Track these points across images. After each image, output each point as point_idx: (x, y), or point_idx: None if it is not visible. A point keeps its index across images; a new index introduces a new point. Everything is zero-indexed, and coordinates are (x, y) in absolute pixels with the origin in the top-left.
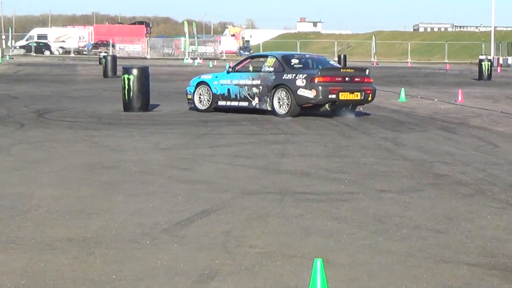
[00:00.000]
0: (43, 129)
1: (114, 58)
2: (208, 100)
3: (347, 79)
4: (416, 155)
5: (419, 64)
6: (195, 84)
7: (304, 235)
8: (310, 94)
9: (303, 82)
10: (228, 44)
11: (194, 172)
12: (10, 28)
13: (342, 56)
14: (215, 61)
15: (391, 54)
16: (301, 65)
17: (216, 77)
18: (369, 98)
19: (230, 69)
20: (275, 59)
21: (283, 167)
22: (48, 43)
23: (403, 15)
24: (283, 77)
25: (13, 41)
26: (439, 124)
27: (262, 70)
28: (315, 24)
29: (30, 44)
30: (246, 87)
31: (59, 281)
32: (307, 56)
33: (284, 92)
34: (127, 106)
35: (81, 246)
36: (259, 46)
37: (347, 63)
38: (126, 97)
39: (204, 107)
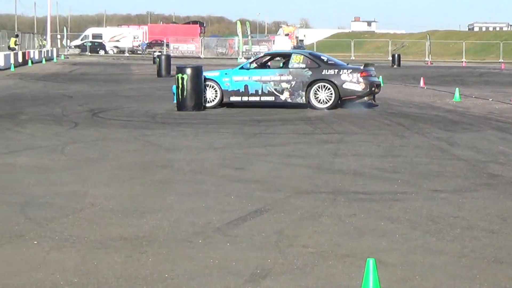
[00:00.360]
0: (97, 128)
1: (168, 57)
2: (215, 96)
3: (372, 73)
4: (470, 155)
5: (474, 64)
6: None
7: (356, 235)
8: (358, 87)
9: (349, 77)
10: (282, 43)
11: (247, 172)
12: (65, 27)
13: (396, 55)
14: None
15: (445, 53)
16: (332, 62)
17: (226, 74)
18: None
19: (249, 65)
20: (303, 56)
21: (336, 166)
22: (103, 42)
23: (458, 14)
24: (323, 73)
25: (68, 41)
26: (493, 124)
27: (290, 66)
28: (369, 23)
29: (85, 43)
30: (272, 83)
31: (112, 280)
32: (318, 54)
33: (325, 86)
34: (181, 105)
35: (134, 245)
36: (313, 45)
37: (401, 62)
38: (180, 96)
39: (211, 104)
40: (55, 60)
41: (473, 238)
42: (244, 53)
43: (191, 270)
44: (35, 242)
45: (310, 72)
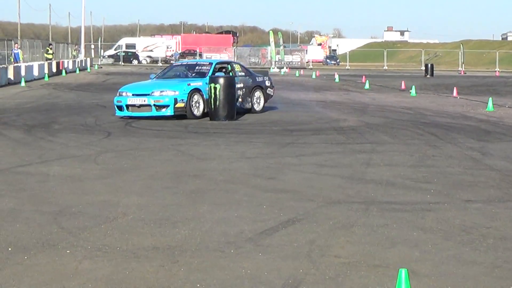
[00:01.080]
0: (130, 138)
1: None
2: (203, 106)
3: None
4: (503, 165)
5: (507, 74)
6: (187, 93)
7: (389, 245)
8: (272, 91)
9: (268, 83)
10: (314, 53)
11: (279, 181)
12: (99, 37)
13: (429, 65)
14: (302, 70)
15: (479, 63)
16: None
17: (206, 83)
18: None
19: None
20: (240, 65)
21: (368, 176)
22: (136, 52)
23: (492, 24)
24: (257, 80)
25: (102, 51)
26: None
27: (238, 74)
28: (402, 33)
29: (118, 53)
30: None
31: None
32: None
33: (259, 92)
34: (213, 115)
35: (166, 255)
36: (346, 55)
37: (434, 72)
38: (212, 106)
39: (199, 114)
40: (88, 70)
41: (506, 249)
42: (276, 62)
43: (223, 280)
44: (68, 251)
45: (250, 80)
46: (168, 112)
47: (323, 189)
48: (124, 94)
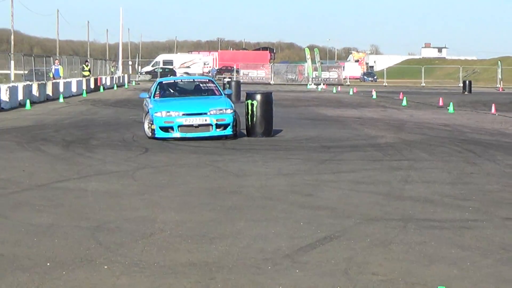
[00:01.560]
0: (167, 154)
1: (238, 83)
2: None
3: None
4: None
5: None
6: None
7: (427, 263)
8: None
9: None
10: (352, 69)
11: (316, 198)
12: (137, 54)
13: (467, 82)
14: (339, 86)
15: None
16: None
17: None
18: None
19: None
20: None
21: (406, 193)
22: (174, 68)
23: None
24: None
25: (140, 67)
26: None
27: None
28: (440, 49)
29: (156, 69)
30: None
31: None
32: None
33: None
34: (250, 131)
35: (203, 271)
36: (383, 71)
37: (472, 89)
38: (249, 123)
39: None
40: (126, 86)
41: None
42: (313, 79)
43: None
44: (106, 267)
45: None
46: (228, 131)
47: (360, 206)
48: (173, 114)
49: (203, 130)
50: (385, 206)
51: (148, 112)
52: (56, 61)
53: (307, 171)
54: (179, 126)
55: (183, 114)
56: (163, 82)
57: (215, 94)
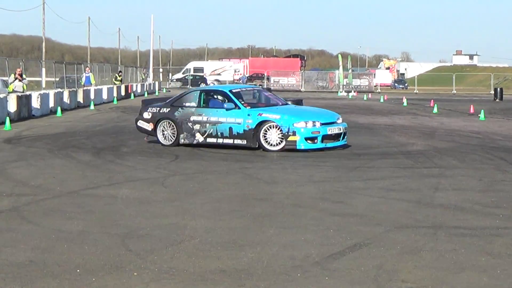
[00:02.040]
0: (198, 161)
1: (269, 90)
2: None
3: None
4: None
5: None
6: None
7: (457, 270)
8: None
9: None
10: (382, 77)
11: (346, 205)
12: (168, 61)
13: (498, 89)
14: (369, 94)
15: None
16: None
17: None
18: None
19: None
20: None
21: (436, 201)
22: (204, 76)
23: None
24: None
25: (170, 74)
26: None
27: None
28: (471, 57)
29: (186, 77)
30: None
31: None
32: None
33: None
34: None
35: (233, 278)
36: (414, 79)
37: (503, 96)
38: None
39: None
40: (157, 93)
41: None
42: (344, 86)
43: None
44: (135, 274)
45: None
46: (345, 140)
47: (390, 214)
48: (317, 124)
49: (335, 139)
50: (415, 213)
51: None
52: (87, 68)
53: (337, 178)
54: (322, 135)
55: (321, 124)
56: (233, 90)
57: (282, 103)
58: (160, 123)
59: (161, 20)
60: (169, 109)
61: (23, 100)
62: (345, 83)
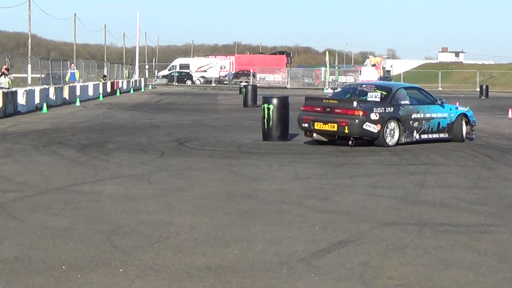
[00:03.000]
0: (183, 158)
1: (255, 87)
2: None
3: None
4: None
5: None
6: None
7: (442, 267)
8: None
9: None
10: (368, 74)
11: (332, 202)
12: (153, 58)
13: (484, 86)
14: None
15: None
16: None
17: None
18: (345, 131)
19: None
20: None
21: (422, 198)
22: (190, 72)
23: None
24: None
25: (156, 71)
26: None
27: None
28: (457, 54)
29: (172, 73)
30: None
31: None
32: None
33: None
34: (266, 135)
35: (218, 274)
36: (400, 76)
37: (489, 93)
38: (266, 127)
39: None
40: (142, 90)
41: None
42: (330, 83)
43: None
44: (121, 270)
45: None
46: None
47: (376, 211)
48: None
49: None
50: (401, 210)
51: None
52: (73, 65)
53: (323, 175)
54: None
55: None
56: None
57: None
58: (387, 124)
59: (147, 17)
60: (393, 108)
61: (9, 97)
62: (331, 80)
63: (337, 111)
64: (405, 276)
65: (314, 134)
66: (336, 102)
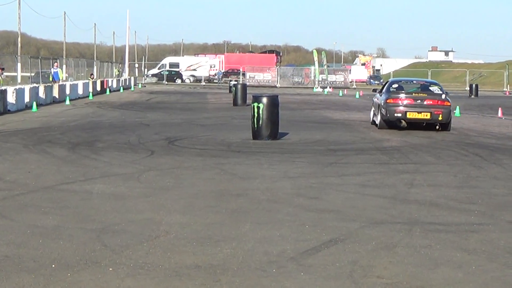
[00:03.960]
0: (173, 156)
1: (244, 86)
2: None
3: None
4: None
5: None
6: None
7: (432, 266)
8: None
9: None
10: (358, 73)
11: (321, 201)
12: (143, 56)
13: (473, 85)
14: (345, 90)
15: None
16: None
17: None
18: (439, 118)
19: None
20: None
21: (411, 197)
22: (180, 71)
23: None
24: None
25: (146, 70)
26: None
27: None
28: (446, 53)
29: (162, 72)
30: None
31: None
32: None
33: None
34: (256, 134)
35: (208, 273)
36: (390, 75)
37: (479, 92)
38: (255, 125)
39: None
40: (132, 88)
41: None
42: (320, 82)
43: None
44: (110, 269)
45: None
46: None
47: (366, 209)
48: None
49: None
50: (391, 209)
51: None
52: (56, 64)
53: (313, 174)
54: None
55: None
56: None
57: None
58: None
59: (137, 16)
60: None
61: None
62: (320, 79)
63: (429, 102)
64: (395, 275)
65: (403, 121)
66: (426, 95)
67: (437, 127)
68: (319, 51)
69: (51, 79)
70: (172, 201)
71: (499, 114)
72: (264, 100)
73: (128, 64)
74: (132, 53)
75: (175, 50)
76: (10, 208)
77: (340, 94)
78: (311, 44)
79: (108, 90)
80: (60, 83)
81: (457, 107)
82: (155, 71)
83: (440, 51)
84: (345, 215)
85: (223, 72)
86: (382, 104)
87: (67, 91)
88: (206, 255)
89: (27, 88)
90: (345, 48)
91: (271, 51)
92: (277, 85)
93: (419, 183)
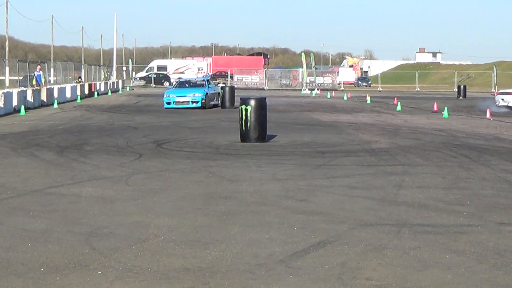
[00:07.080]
0: (161, 159)
1: (232, 89)
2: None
3: None
4: None
5: None
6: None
7: (421, 268)
8: None
9: None
10: (346, 75)
11: (310, 203)
12: (130, 59)
13: (461, 86)
14: (333, 92)
15: None
16: None
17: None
18: None
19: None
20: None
21: (400, 198)
22: (168, 74)
23: None
24: None
25: (134, 73)
26: None
27: None
28: (434, 54)
29: (150, 75)
30: None
31: None
32: None
33: None
34: (244, 136)
35: (197, 276)
36: (378, 77)
37: (467, 94)
38: (243, 128)
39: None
40: (120, 91)
41: None
42: (308, 84)
43: None
44: (99, 272)
45: None
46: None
47: (354, 211)
48: None
49: None
50: (379, 211)
51: None
52: (39, 67)
53: (301, 176)
54: None
55: None
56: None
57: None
58: None
59: (124, 19)
60: None
61: None
62: (308, 81)
63: None
64: (384, 277)
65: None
66: None
67: None
68: (307, 53)
69: (34, 82)
70: (161, 204)
71: (487, 115)
72: (252, 102)
73: (116, 67)
74: (120, 56)
75: (163, 53)
76: None
77: (328, 96)
78: (299, 46)
79: (96, 93)
80: (48, 86)
81: (445, 108)
82: (143, 74)
83: (428, 52)
84: (333, 217)
85: (211, 75)
86: None
87: (55, 95)
88: (195, 258)
89: (15, 91)
90: (333, 50)
91: (258, 54)
92: (265, 88)
93: (408, 185)
